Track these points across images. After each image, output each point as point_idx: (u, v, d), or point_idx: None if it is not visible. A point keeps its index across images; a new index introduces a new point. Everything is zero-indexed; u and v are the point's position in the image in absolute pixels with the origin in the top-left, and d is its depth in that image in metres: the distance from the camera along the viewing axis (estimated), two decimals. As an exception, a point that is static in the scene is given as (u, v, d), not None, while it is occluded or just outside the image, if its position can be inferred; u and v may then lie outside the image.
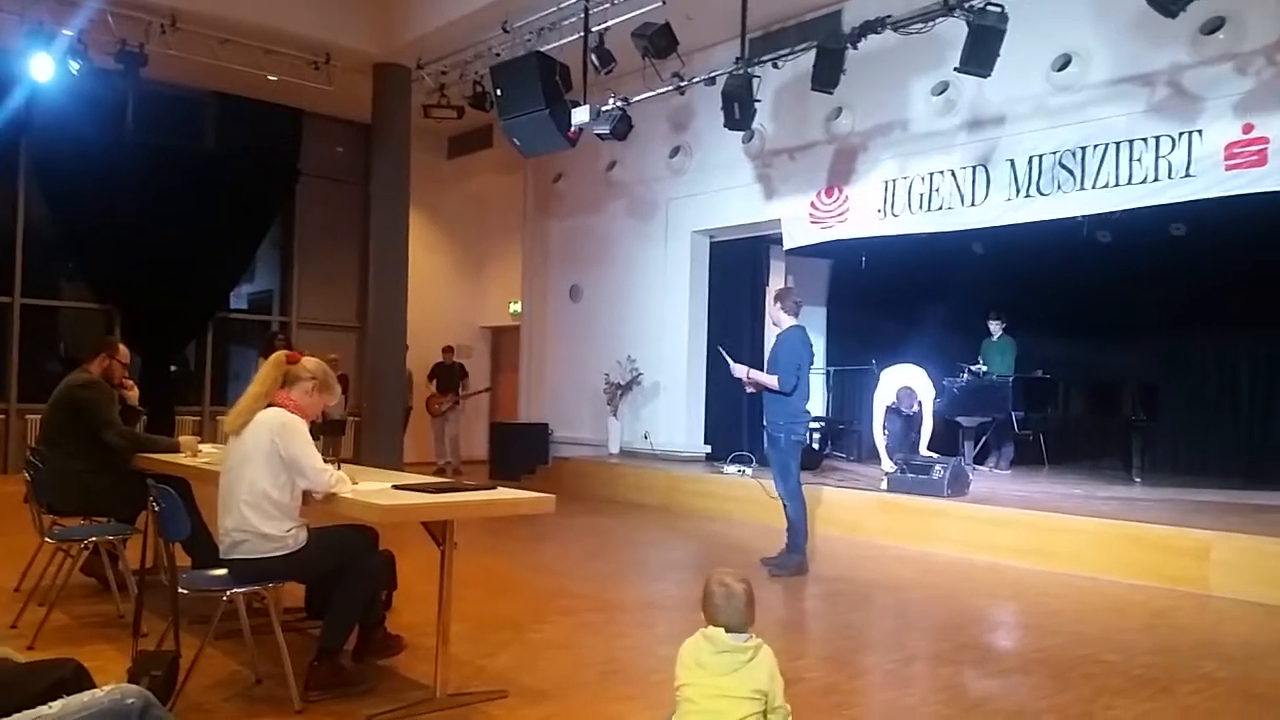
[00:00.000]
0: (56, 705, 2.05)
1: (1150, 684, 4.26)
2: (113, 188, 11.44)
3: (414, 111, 11.52)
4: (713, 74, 8.66)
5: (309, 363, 3.89)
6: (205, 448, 5.28)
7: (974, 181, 8.49)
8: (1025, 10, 7.18)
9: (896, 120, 9.14)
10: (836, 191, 9.57)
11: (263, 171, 13.08)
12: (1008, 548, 7.21)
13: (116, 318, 12.09)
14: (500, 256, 14.65)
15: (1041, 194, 8.03)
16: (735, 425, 11.01)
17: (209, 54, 10.34)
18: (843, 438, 12.13)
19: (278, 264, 13.89)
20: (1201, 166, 7.11)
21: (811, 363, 6.78)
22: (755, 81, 8.22)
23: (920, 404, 8.93)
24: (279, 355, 3.88)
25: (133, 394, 5.69)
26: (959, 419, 10.35)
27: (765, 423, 6.90)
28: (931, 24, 7.21)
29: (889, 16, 7.48)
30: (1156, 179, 7.36)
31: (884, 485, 8.50)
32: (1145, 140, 7.43)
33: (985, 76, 7.15)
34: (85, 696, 2.10)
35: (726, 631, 2.65)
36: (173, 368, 12.64)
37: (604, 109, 8.97)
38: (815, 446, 10.64)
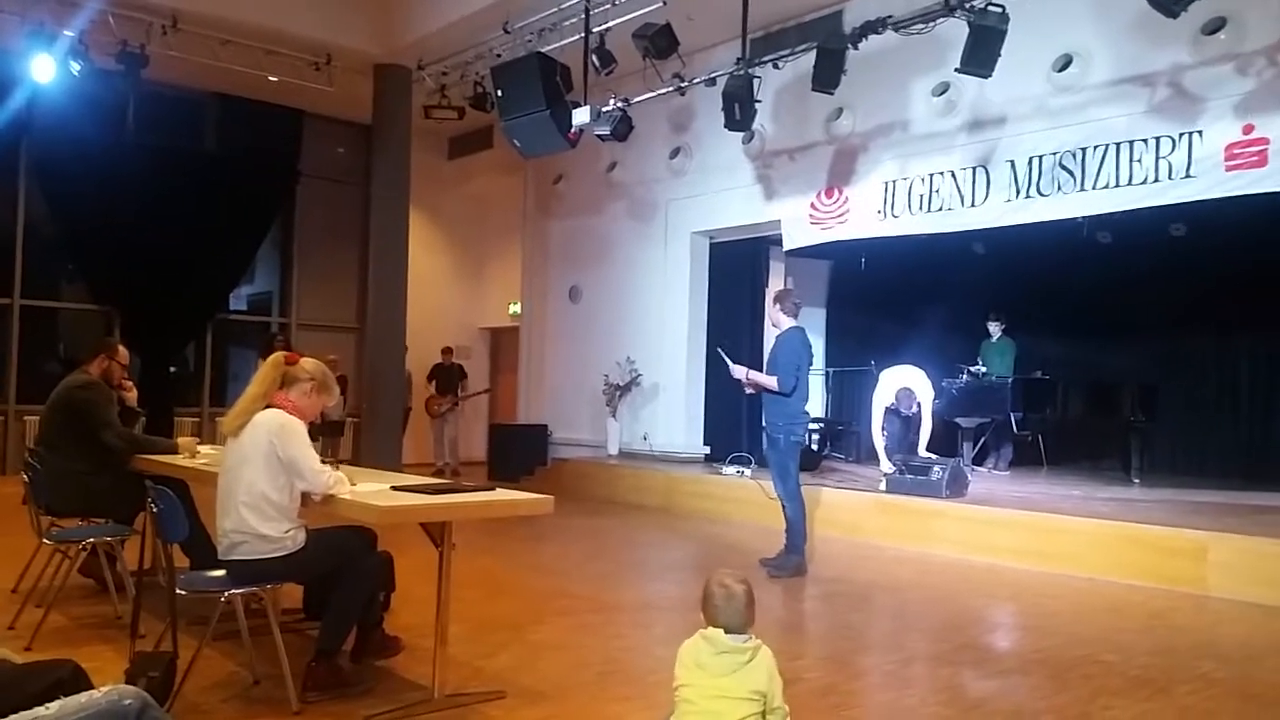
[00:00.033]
0: (54, 706, 2.05)
1: (1148, 684, 4.26)
2: (113, 188, 11.44)
3: (414, 112, 11.52)
4: (713, 74, 8.66)
5: (307, 364, 3.89)
6: (204, 449, 5.29)
7: (974, 182, 8.49)
8: (1026, 11, 7.17)
9: (897, 121, 9.14)
10: (836, 192, 9.57)
11: (263, 172, 13.08)
12: (1006, 549, 7.21)
13: (116, 319, 12.09)
14: (500, 257, 14.65)
15: (1042, 195, 8.02)
16: (734, 426, 11.01)
17: (210, 55, 10.35)
18: (842, 439, 12.13)
19: (277, 265, 13.89)
20: (1202, 167, 7.11)
21: (811, 364, 6.78)
22: (756, 82, 8.22)
23: (919, 405, 8.93)
24: (277, 356, 3.88)
25: (131, 395, 5.69)
26: (958, 420, 10.36)
27: (764, 424, 6.91)
28: (932, 24, 7.21)
29: (890, 17, 7.48)
30: (1157, 180, 7.36)
31: (883, 486, 8.50)
32: (1146, 141, 7.43)
33: (986, 77, 7.16)
34: (83, 698, 2.10)
35: (726, 632, 2.64)
36: (172, 369, 12.63)
37: (604, 110, 8.97)
38: (814, 447, 10.65)
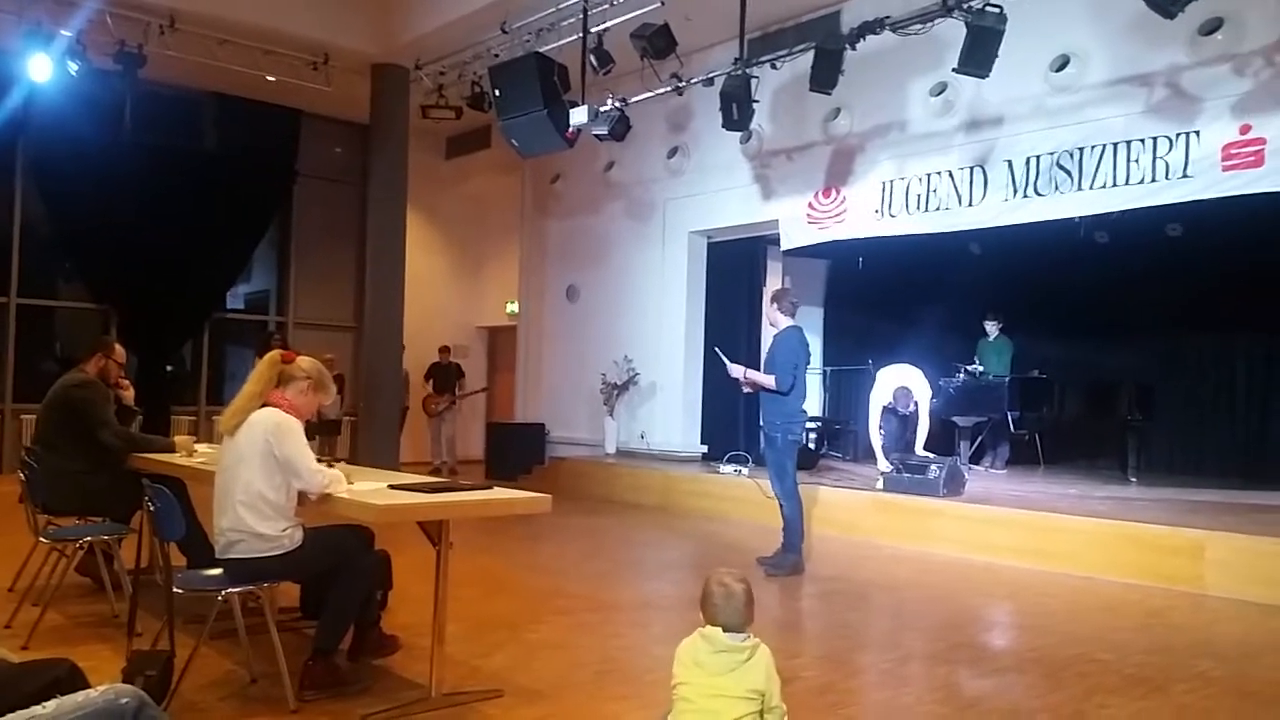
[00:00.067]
0: (51, 705, 2.05)
1: (1145, 683, 4.27)
2: (110, 188, 11.42)
3: (412, 112, 11.51)
4: (711, 74, 8.66)
5: (304, 362, 3.89)
6: (201, 448, 5.28)
7: (971, 182, 8.50)
8: (1023, 11, 7.18)
9: (894, 121, 9.14)
10: (834, 192, 9.57)
11: (260, 172, 13.07)
12: (1003, 547, 7.22)
13: (113, 318, 12.08)
14: (498, 257, 14.65)
15: (1039, 195, 8.03)
16: (732, 425, 11.02)
17: (207, 54, 10.33)
18: (839, 438, 12.13)
19: (275, 264, 13.87)
20: (1199, 167, 7.12)
21: (808, 363, 6.79)
22: (753, 82, 8.23)
23: (917, 404, 8.94)
24: (274, 355, 3.88)
25: (128, 394, 5.68)
26: (955, 419, 10.37)
27: (762, 423, 6.91)
28: (930, 25, 7.21)
29: (887, 17, 7.48)
30: (1154, 180, 7.37)
31: (880, 485, 8.51)
32: (1143, 141, 7.44)
33: (983, 77, 7.16)
34: (80, 697, 2.10)
35: (724, 631, 2.65)
36: (169, 368, 12.61)
37: (602, 109, 8.97)
38: (812, 446, 10.65)
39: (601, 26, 8.82)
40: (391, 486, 3.89)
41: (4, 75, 10.10)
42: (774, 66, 8.50)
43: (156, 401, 11.50)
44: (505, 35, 9.60)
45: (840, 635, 5.29)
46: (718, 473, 9.75)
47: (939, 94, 8.73)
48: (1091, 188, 7.71)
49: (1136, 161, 7.46)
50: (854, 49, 7.72)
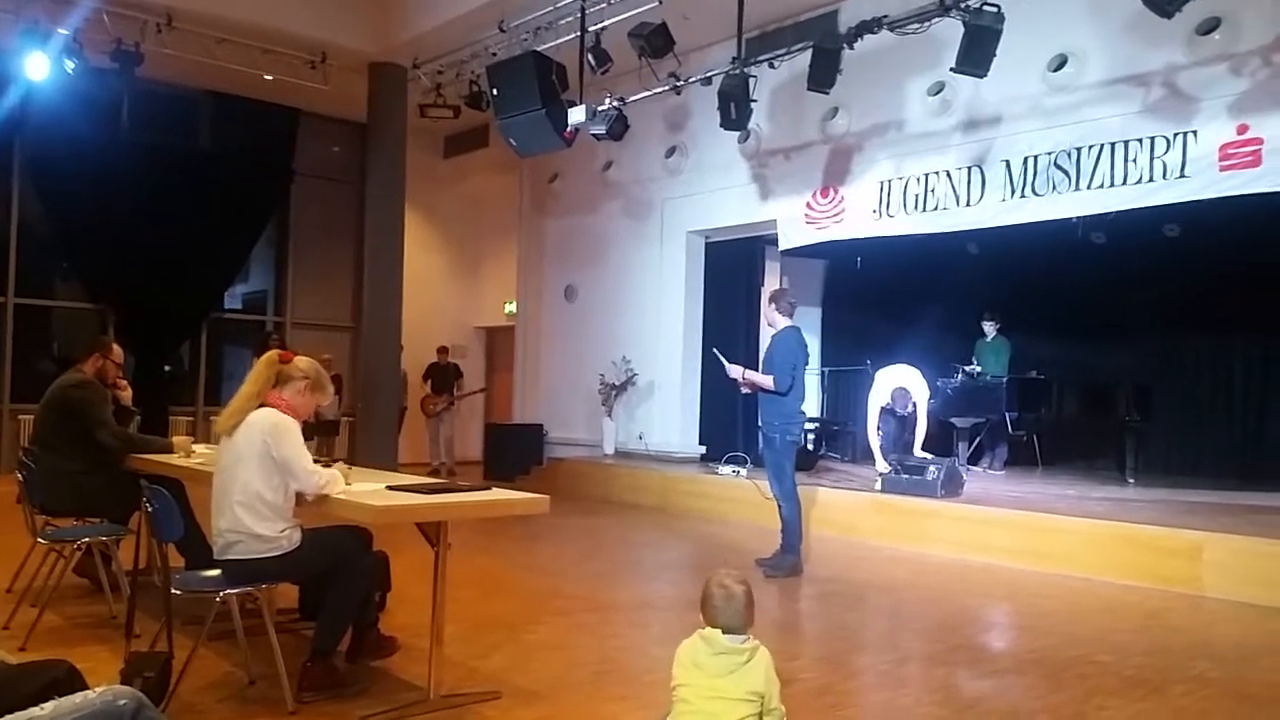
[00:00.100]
0: (48, 707, 2.04)
1: (1143, 685, 4.27)
2: (107, 187, 11.41)
3: (410, 111, 11.50)
4: (709, 74, 8.65)
5: (301, 362, 3.88)
6: (199, 448, 5.27)
7: (969, 182, 8.50)
8: (1021, 10, 7.18)
9: (892, 120, 9.15)
10: (832, 192, 9.57)
11: (258, 171, 13.05)
12: (1001, 548, 7.22)
13: (110, 317, 12.06)
14: (496, 256, 14.64)
15: (1036, 195, 8.04)
16: (730, 426, 11.01)
17: (205, 53, 10.32)
18: (837, 438, 12.14)
19: (272, 264, 13.86)
20: (1196, 167, 7.13)
21: (806, 363, 6.78)
22: (751, 81, 8.22)
23: (915, 405, 8.95)
24: (271, 355, 3.87)
25: (126, 394, 5.66)
26: (953, 420, 10.37)
27: (760, 423, 6.91)
28: (927, 24, 7.21)
29: (885, 17, 7.48)
30: (1151, 180, 7.38)
31: (878, 486, 8.51)
32: (1140, 141, 7.45)
33: (981, 77, 7.16)
34: (77, 698, 2.10)
35: (724, 633, 2.65)
36: (167, 368, 12.60)
37: (600, 109, 8.97)
38: (810, 447, 10.64)
39: (599, 25, 8.82)
40: (389, 487, 3.89)
41: (1, 74, 10.07)
42: (772, 66, 8.50)
43: (154, 402, 11.49)
44: (503, 34, 9.60)
45: (839, 636, 5.29)
46: (716, 473, 9.75)
47: (937, 94, 8.74)
48: (1089, 188, 7.72)
49: (1134, 161, 7.46)
50: (852, 48, 7.71)
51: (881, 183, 9.15)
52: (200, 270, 12.53)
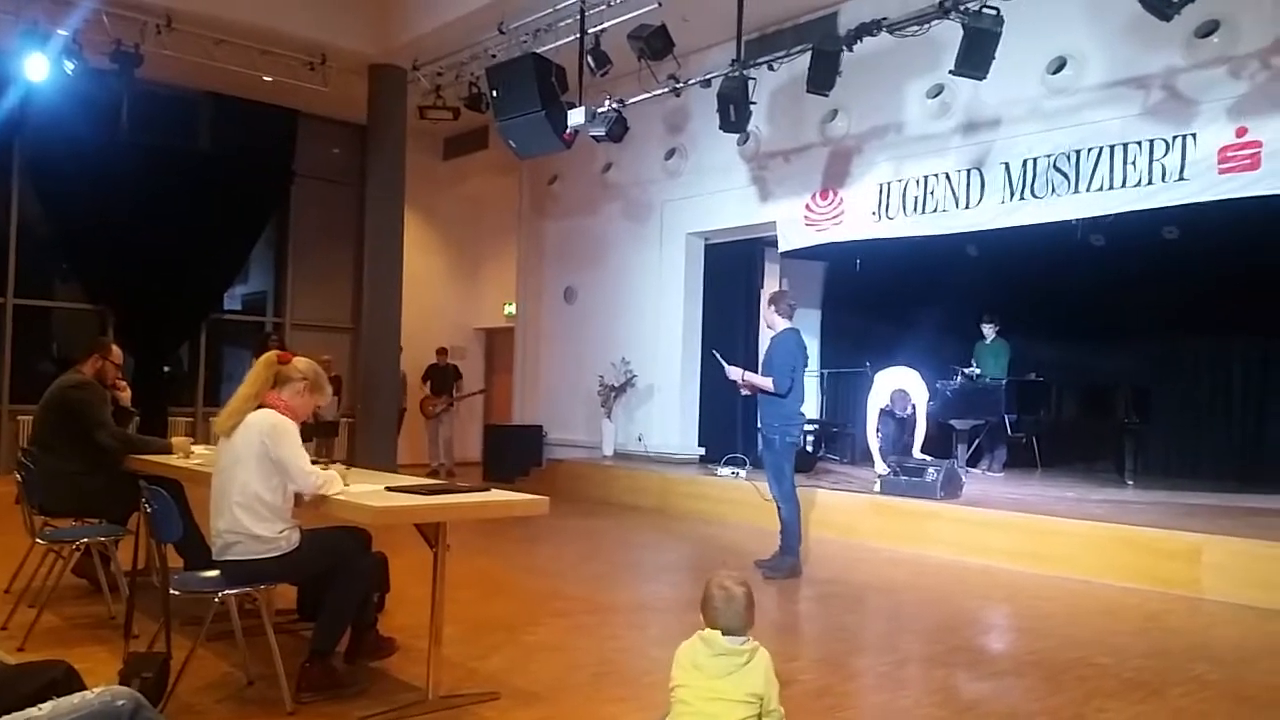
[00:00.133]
0: (47, 707, 2.04)
1: (1142, 687, 4.27)
2: (107, 188, 11.41)
3: (409, 113, 11.51)
4: (708, 76, 8.66)
5: (300, 363, 3.88)
6: (198, 449, 5.26)
7: (968, 184, 8.51)
8: (1020, 13, 7.18)
9: (891, 123, 9.15)
10: (831, 194, 9.58)
11: (257, 172, 13.05)
12: (1000, 550, 7.22)
13: (110, 318, 12.06)
14: (495, 258, 14.64)
15: (1035, 197, 8.04)
16: (729, 427, 11.01)
17: (204, 54, 10.32)
18: (837, 440, 12.13)
19: (272, 265, 13.86)
20: (1195, 170, 7.13)
21: (806, 365, 6.79)
22: (751, 83, 8.23)
23: (914, 407, 8.96)
24: (270, 355, 3.87)
25: (125, 395, 5.66)
26: (952, 422, 10.37)
27: (759, 425, 6.91)
28: (927, 26, 7.21)
29: (884, 19, 7.48)
30: (1150, 182, 7.39)
31: (877, 488, 8.51)
32: (1139, 143, 7.45)
33: (980, 79, 7.16)
34: (76, 698, 2.09)
35: (724, 634, 2.65)
36: (166, 369, 12.59)
37: (600, 111, 8.97)
38: (809, 449, 10.65)
39: (599, 27, 8.82)
40: (389, 488, 3.89)
41: (1, 75, 10.07)
42: (771, 68, 8.50)
43: (154, 402, 11.49)
44: (503, 36, 9.60)
45: (838, 638, 5.29)
46: (715, 475, 9.75)
47: (936, 96, 8.75)
48: (1088, 190, 7.73)
49: (1133, 164, 7.47)
50: (851, 50, 7.72)
51: (881, 185, 9.16)
52: (200, 271, 12.53)
